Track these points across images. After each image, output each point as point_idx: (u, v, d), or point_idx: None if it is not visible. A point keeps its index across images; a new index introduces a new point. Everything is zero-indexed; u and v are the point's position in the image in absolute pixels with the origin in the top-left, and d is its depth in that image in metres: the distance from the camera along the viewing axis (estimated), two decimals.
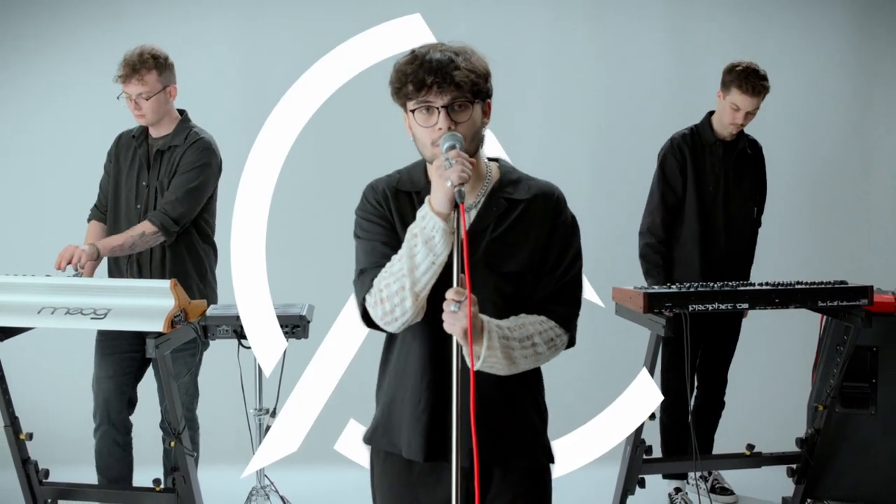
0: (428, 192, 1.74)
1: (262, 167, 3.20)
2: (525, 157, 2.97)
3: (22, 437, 2.96)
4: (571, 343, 1.85)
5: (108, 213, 3.28)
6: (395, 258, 1.72)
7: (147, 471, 3.25)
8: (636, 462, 3.19)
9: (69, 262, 2.88)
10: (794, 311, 3.28)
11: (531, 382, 1.86)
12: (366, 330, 1.85)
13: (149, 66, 3.09)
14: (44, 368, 4.39)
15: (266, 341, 3.06)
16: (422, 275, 1.68)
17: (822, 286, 3.14)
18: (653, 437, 3.46)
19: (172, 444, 2.91)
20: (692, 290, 3.07)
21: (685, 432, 3.65)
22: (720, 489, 3.79)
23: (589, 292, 3.24)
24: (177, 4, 4.64)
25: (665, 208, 3.57)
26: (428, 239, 1.66)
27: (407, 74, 1.71)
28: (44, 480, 3.02)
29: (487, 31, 4.64)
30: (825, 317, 3.49)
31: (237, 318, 3.04)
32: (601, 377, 4.10)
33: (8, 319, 2.77)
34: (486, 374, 1.73)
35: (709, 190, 3.56)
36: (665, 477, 3.74)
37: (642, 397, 3.09)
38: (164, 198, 3.13)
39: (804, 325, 3.93)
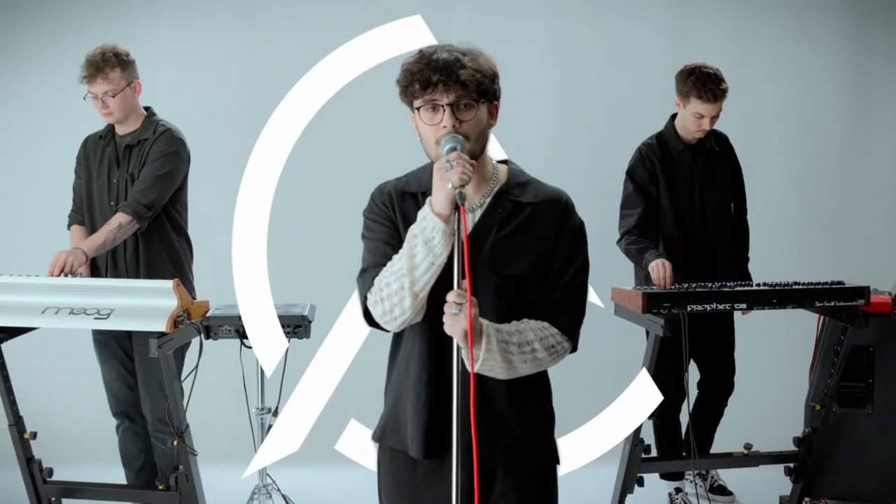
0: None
1: (263, 168, 3.22)
2: (523, 158, 2.96)
3: (26, 435, 2.98)
4: (573, 350, 1.85)
5: (85, 214, 3.32)
6: (395, 257, 1.74)
7: None
8: (635, 461, 3.21)
9: (62, 270, 2.90)
10: (791, 312, 3.30)
11: (538, 385, 1.87)
12: (367, 330, 1.87)
13: (111, 63, 3.14)
14: (48, 368, 4.41)
15: (267, 341, 3.08)
16: (421, 275, 1.70)
17: (820, 287, 3.15)
18: (651, 437, 3.48)
19: (175, 443, 2.93)
20: (690, 290, 3.08)
21: (677, 433, 3.67)
22: (718, 488, 3.81)
23: (589, 293, 3.26)
24: (178, 7, 4.66)
25: (644, 215, 3.47)
26: (428, 240, 1.68)
27: (413, 73, 1.73)
28: (48, 479, 3.04)
29: (487, 32, 4.65)
30: (822, 317, 3.51)
31: (239, 317, 3.06)
32: (600, 377, 4.12)
33: (12, 319, 2.79)
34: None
35: (684, 197, 3.52)
36: (662, 477, 3.76)
37: (642, 397, 3.11)
38: (134, 186, 3.17)
39: (802, 326, 3.94)
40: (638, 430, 3.19)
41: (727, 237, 3.61)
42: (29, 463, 3.00)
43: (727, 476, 3.89)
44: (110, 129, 3.30)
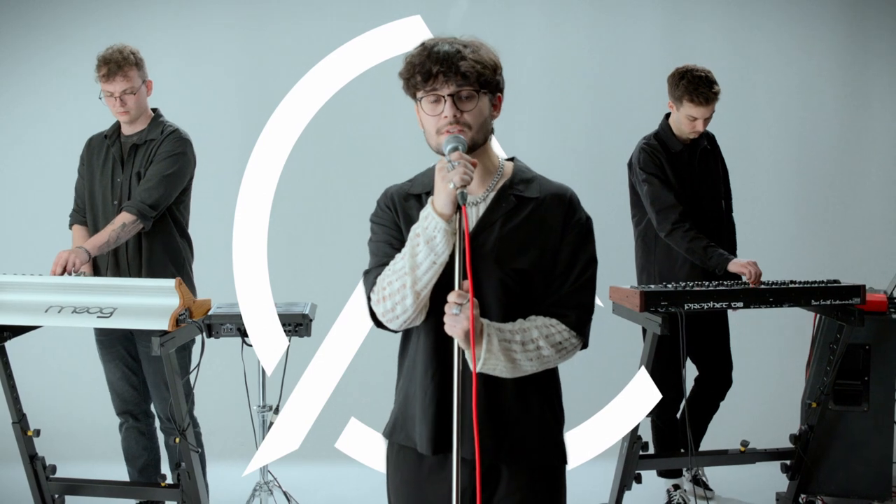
0: None
1: (264, 167, 3.22)
2: (521, 157, 3.00)
3: (29, 433, 3.00)
4: (584, 346, 1.85)
5: (87, 214, 3.33)
6: (397, 256, 1.76)
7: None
8: (633, 458, 3.23)
9: (64, 270, 2.92)
10: (787, 310, 3.32)
11: (547, 383, 1.86)
12: (367, 329, 1.87)
13: (130, 62, 3.17)
14: (51, 366, 4.43)
15: (267, 340, 3.10)
16: (423, 273, 1.71)
17: (816, 285, 3.18)
18: (648, 434, 3.50)
19: (177, 440, 2.95)
20: (688, 289, 3.11)
21: (675, 431, 3.68)
22: (702, 483, 3.82)
23: None
24: (182, 7, 4.67)
25: (679, 201, 3.41)
26: (429, 239, 1.69)
27: (415, 65, 1.75)
28: (51, 476, 3.06)
29: (486, 33, 4.65)
30: (818, 315, 3.53)
31: (241, 316, 3.08)
32: (599, 375, 4.14)
33: (16, 318, 2.80)
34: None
35: (684, 194, 3.54)
36: (660, 475, 3.78)
37: (641, 395, 3.12)
38: (139, 186, 3.18)
39: (798, 324, 3.97)
40: (636, 428, 3.20)
41: (721, 234, 3.65)
42: (32, 460, 3.01)
43: (724, 473, 3.90)
44: (116, 128, 3.31)
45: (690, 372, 3.70)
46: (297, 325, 3.11)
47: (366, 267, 1.88)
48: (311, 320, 3.16)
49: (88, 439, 3.76)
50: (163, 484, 3.05)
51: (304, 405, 3.17)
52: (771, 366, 4.70)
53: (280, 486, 3.34)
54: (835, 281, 3.24)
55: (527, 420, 1.83)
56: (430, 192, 1.82)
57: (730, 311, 3.68)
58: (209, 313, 3.05)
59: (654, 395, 3.11)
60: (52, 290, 2.80)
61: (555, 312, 1.80)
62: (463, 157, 1.69)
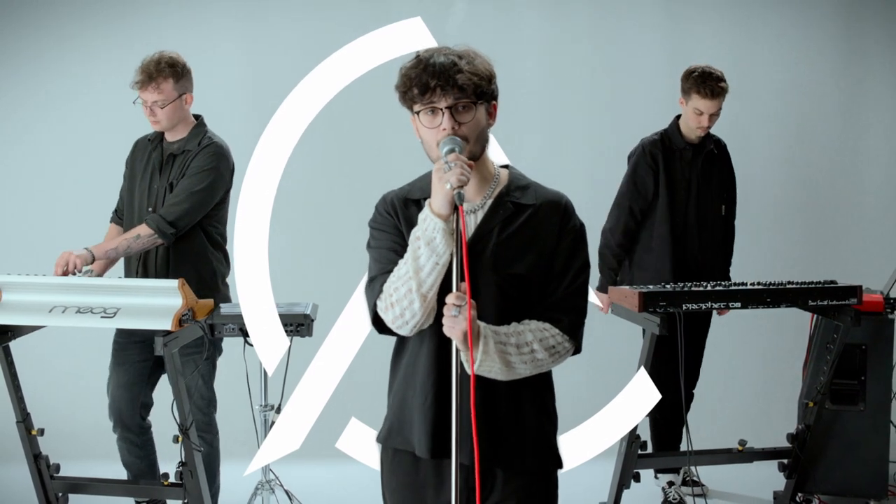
0: None
1: (265, 168, 3.22)
2: (521, 159, 3.01)
3: (34, 432, 3.02)
4: (577, 351, 1.87)
5: (125, 216, 3.33)
6: (400, 262, 1.77)
7: (168, 467, 3.33)
8: (632, 457, 3.25)
9: (65, 270, 2.93)
10: (785, 311, 3.34)
11: (541, 387, 1.88)
12: (367, 329, 1.88)
13: (165, 74, 3.11)
14: (55, 366, 4.44)
15: (268, 340, 3.11)
16: (427, 275, 1.72)
17: (813, 286, 3.20)
18: (647, 433, 3.52)
19: (180, 439, 2.96)
20: (686, 289, 3.13)
21: (670, 428, 3.71)
22: (691, 482, 3.83)
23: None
24: (183, 7, 4.69)
25: (631, 215, 3.67)
26: (430, 240, 1.71)
27: (412, 79, 1.76)
28: (55, 475, 3.07)
29: (485, 33, 4.69)
30: (815, 316, 3.56)
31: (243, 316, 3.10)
32: (598, 376, 4.16)
33: (20, 318, 2.82)
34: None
35: (681, 193, 3.64)
36: (657, 473, 3.80)
37: (640, 396, 3.13)
38: (167, 200, 3.16)
39: (795, 324, 3.99)
40: (635, 427, 3.22)
41: (716, 237, 3.70)
42: (36, 459, 3.03)
43: (722, 471, 3.92)
44: (159, 134, 3.28)
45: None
46: (298, 325, 3.11)
47: (366, 273, 1.88)
48: (312, 320, 3.17)
49: (93, 438, 3.78)
50: (166, 483, 3.06)
51: (304, 405, 3.17)
52: (768, 366, 4.72)
53: (282, 485, 3.36)
54: (832, 281, 3.26)
55: (522, 424, 1.84)
56: (428, 198, 1.83)
57: (713, 327, 3.74)
58: (211, 313, 3.07)
59: (653, 396, 3.12)
60: (56, 291, 2.82)
61: (549, 317, 1.82)
62: (460, 158, 1.71)
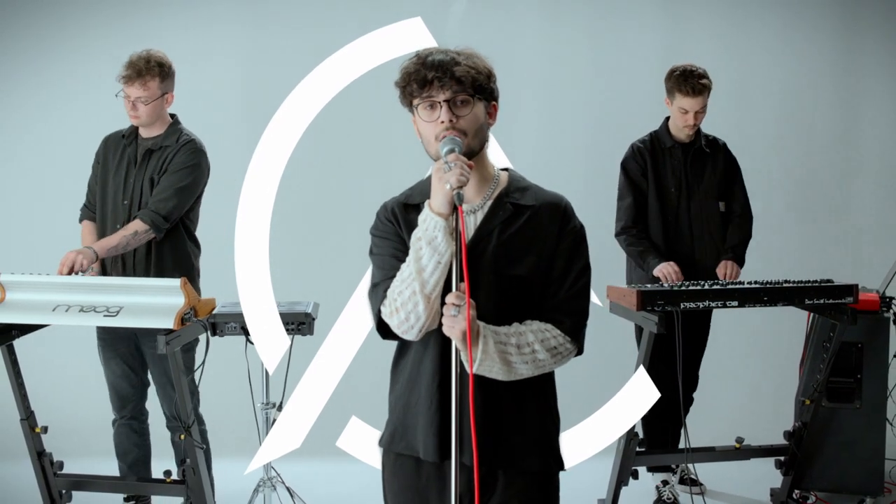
0: None
1: (265, 168, 3.25)
2: (520, 159, 3.04)
3: (37, 430, 3.04)
4: (579, 352, 1.87)
5: (97, 210, 3.37)
6: (403, 265, 1.77)
7: (159, 464, 3.35)
8: (630, 454, 3.26)
9: (71, 270, 2.96)
10: (781, 309, 3.36)
11: (544, 387, 1.87)
12: (369, 328, 1.87)
13: (153, 72, 3.19)
14: (58, 364, 4.46)
15: (269, 338, 3.13)
16: (430, 276, 1.72)
17: (810, 285, 3.21)
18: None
19: (182, 437, 2.99)
20: (683, 288, 3.15)
21: (664, 427, 3.72)
22: (689, 480, 3.86)
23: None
24: (183, 7, 4.70)
25: (636, 206, 3.69)
26: (431, 240, 1.71)
27: (411, 73, 1.78)
28: (58, 472, 3.10)
29: (485, 34, 4.70)
30: (812, 314, 3.58)
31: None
32: (597, 374, 4.16)
33: (24, 317, 2.84)
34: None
35: (671, 192, 3.68)
36: (649, 470, 3.82)
37: (639, 394, 3.15)
38: (153, 196, 3.22)
39: (792, 323, 4.01)
40: (634, 426, 3.24)
41: (712, 233, 3.71)
42: (40, 456, 3.05)
43: (720, 469, 3.93)
44: (134, 129, 3.35)
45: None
46: (299, 323, 3.14)
47: (368, 276, 1.88)
48: (313, 319, 3.19)
49: (95, 436, 3.79)
50: (168, 480, 3.08)
51: (305, 403, 3.19)
52: (765, 364, 4.73)
53: (283, 482, 3.38)
54: (828, 280, 3.28)
55: (524, 426, 1.84)
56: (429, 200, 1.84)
57: (719, 322, 3.75)
58: (213, 312, 3.09)
59: (652, 394, 3.13)
60: (59, 290, 2.84)
61: (550, 318, 1.82)
62: (459, 158, 1.72)
